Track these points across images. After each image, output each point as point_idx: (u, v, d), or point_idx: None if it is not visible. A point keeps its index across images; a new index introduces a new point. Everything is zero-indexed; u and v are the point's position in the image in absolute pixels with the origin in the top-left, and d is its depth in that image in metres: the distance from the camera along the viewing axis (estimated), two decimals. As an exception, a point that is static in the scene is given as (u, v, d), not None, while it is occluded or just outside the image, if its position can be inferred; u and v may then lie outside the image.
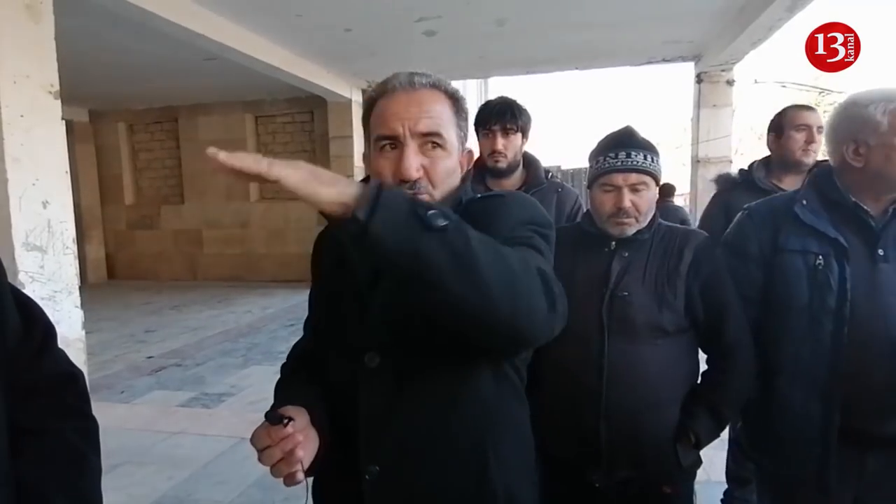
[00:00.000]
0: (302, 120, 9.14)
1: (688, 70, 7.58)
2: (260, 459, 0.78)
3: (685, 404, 1.37)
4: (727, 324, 1.34)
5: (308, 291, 1.03)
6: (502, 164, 1.95)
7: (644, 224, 1.38)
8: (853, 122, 1.25)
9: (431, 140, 0.83)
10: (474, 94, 15.23)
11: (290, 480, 0.79)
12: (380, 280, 0.85)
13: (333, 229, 0.66)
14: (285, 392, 0.92)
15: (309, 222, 8.33)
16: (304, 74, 6.65)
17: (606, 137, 1.42)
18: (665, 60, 7.26)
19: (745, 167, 2.34)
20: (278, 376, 1.03)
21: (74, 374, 0.86)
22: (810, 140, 2.06)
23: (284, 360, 1.07)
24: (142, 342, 5.79)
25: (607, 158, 1.36)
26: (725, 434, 1.41)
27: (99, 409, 0.88)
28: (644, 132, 1.42)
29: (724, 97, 7.27)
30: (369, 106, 0.88)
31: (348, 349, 0.87)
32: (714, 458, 2.50)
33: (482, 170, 1.99)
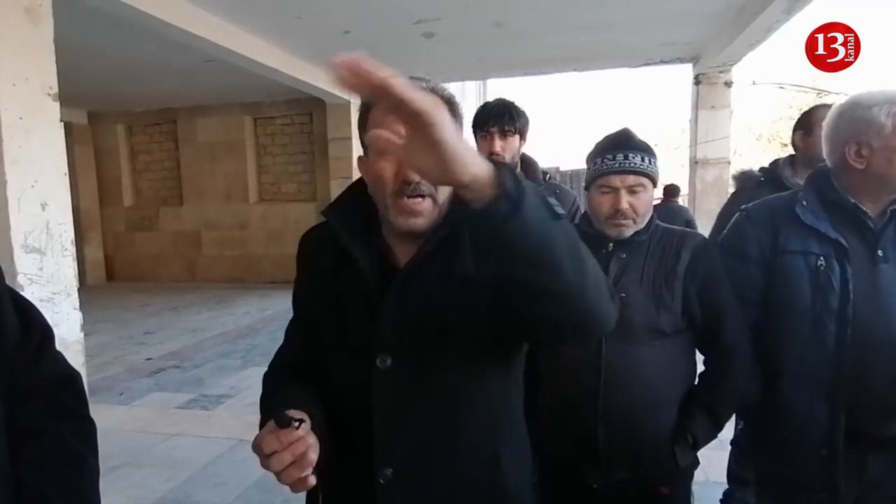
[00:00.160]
0: (301, 121, 9.14)
1: (686, 71, 7.60)
2: (266, 465, 0.74)
3: (683, 405, 1.37)
4: (724, 325, 1.34)
5: None
6: (500, 166, 1.95)
7: (642, 226, 1.38)
8: (856, 123, 1.25)
9: None
10: (473, 95, 15.24)
11: (300, 486, 0.75)
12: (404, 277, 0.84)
13: (472, 205, 0.61)
14: (279, 399, 0.86)
15: (307, 223, 8.28)
16: (303, 76, 6.66)
17: (604, 139, 1.42)
18: (663, 62, 7.27)
19: (767, 165, 2.33)
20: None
21: (73, 375, 0.86)
22: None
23: (267, 370, 1.01)
24: (140, 344, 5.78)
25: (605, 160, 1.36)
26: (723, 435, 1.41)
27: (98, 411, 0.88)
28: (642, 134, 1.42)
29: (722, 98, 7.29)
30: (366, 110, 0.88)
31: (356, 351, 0.87)
32: (712, 459, 2.50)
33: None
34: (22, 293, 0.88)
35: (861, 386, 1.24)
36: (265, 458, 0.74)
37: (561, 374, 1.35)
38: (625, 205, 1.34)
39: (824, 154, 1.38)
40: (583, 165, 1.50)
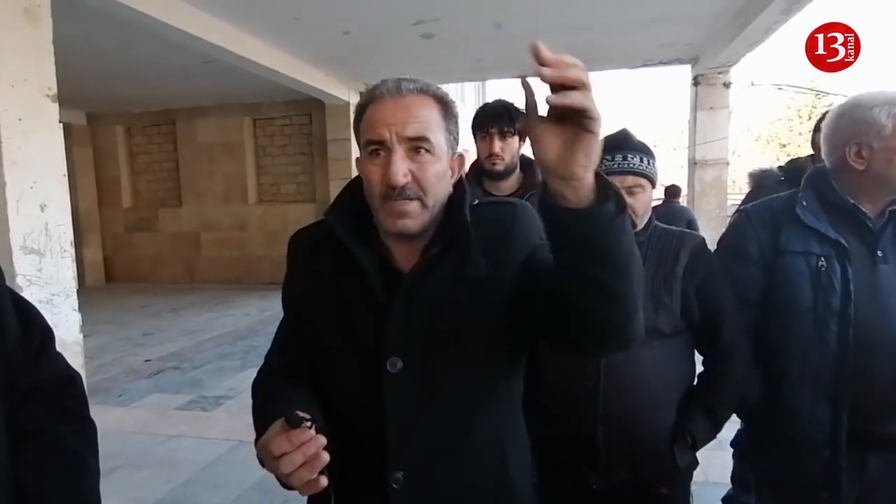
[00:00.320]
0: (300, 122, 9.14)
1: (685, 72, 7.62)
2: (275, 468, 0.72)
3: (682, 406, 1.37)
4: (723, 325, 1.35)
5: None
6: (499, 167, 1.95)
7: (640, 226, 1.38)
8: (856, 124, 1.26)
9: (419, 145, 0.82)
10: (472, 96, 15.26)
11: (311, 487, 0.73)
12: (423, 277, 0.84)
13: (567, 201, 0.62)
14: (278, 403, 0.83)
15: (306, 224, 8.33)
16: (302, 77, 6.66)
17: (603, 140, 1.42)
18: (662, 63, 7.28)
19: (785, 164, 2.33)
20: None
21: (73, 376, 0.86)
22: None
23: (256, 377, 0.97)
24: (140, 345, 5.77)
25: (603, 161, 1.36)
26: (722, 435, 1.41)
27: (97, 413, 0.88)
28: (641, 134, 1.42)
29: (720, 99, 7.30)
30: (359, 112, 0.87)
31: (364, 355, 0.86)
32: (711, 459, 2.50)
33: (479, 172, 2.00)
34: (21, 294, 0.88)
35: (862, 386, 1.24)
36: (274, 461, 0.72)
37: (560, 374, 1.35)
38: (624, 205, 1.34)
39: (823, 154, 1.38)
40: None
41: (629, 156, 1.35)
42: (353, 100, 7.92)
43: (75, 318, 3.02)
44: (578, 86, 0.57)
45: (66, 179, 3.00)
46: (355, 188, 0.92)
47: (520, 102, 1.99)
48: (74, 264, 3.05)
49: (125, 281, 9.93)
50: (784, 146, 23.74)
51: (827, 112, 2.22)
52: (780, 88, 10.48)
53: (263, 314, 7.03)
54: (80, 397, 0.86)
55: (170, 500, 2.71)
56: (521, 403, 0.97)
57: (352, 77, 7.46)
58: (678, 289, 1.35)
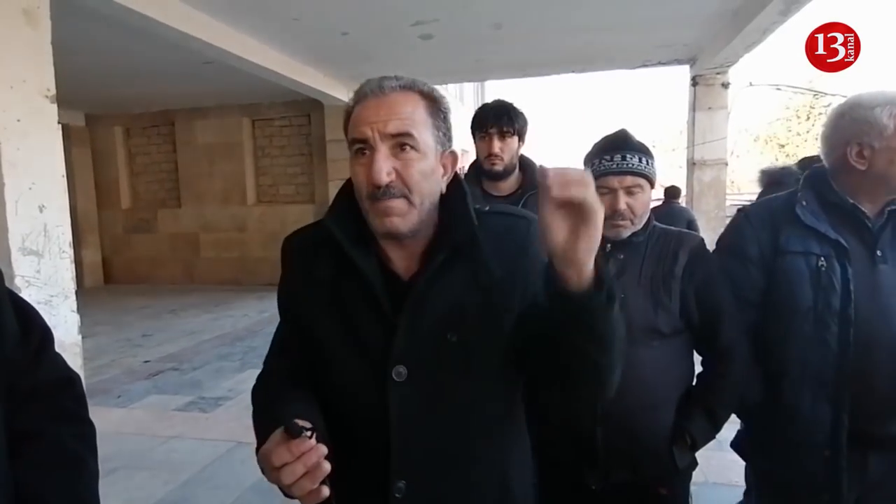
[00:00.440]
0: (299, 123, 9.14)
1: (683, 73, 7.62)
2: (276, 478, 0.71)
3: (681, 406, 1.37)
4: (722, 326, 1.35)
5: None
6: (499, 167, 1.95)
7: (639, 226, 1.39)
8: (858, 124, 1.26)
9: (402, 142, 0.81)
10: (471, 97, 15.27)
11: (313, 497, 0.72)
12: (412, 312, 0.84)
13: (567, 283, 0.70)
14: (279, 411, 0.82)
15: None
16: (301, 78, 6.66)
17: (602, 140, 1.43)
18: (660, 63, 7.29)
19: (798, 162, 2.31)
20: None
21: (72, 378, 0.85)
22: None
23: (255, 384, 0.96)
24: (138, 346, 5.77)
25: (602, 161, 1.37)
26: (721, 435, 1.41)
27: (95, 414, 0.87)
28: (639, 135, 1.42)
29: (719, 100, 7.31)
30: (347, 114, 0.87)
31: (369, 362, 0.85)
32: (711, 460, 2.50)
33: (478, 173, 2.00)
34: (20, 295, 0.88)
35: (863, 386, 1.24)
36: (275, 471, 0.71)
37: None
38: (622, 206, 1.34)
39: (822, 154, 1.38)
40: (581, 167, 1.50)
41: (628, 156, 1.35)
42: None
43: (74, 319, 3.02)
44: (578, 185, 0.64)
45: (64, 180, 3.00)
46: (349, 192, 0.90)
47: (519, 103, 2.00)
48: (73, 265, 3.05)
49: (124, 282, 9.92)
50: (783, 146, 23.78)
51: None
52: (779, 89, 10.49)
53: (262, 315, 7.02)
54: (79, 398, 0.86)
55: (168, 501, 2.70)
56: (522, 405, 0.97)
57: (351, 78, 7.45)
58: (677, 289, 1.35)
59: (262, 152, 9.45)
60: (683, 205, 7.35)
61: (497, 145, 1.92)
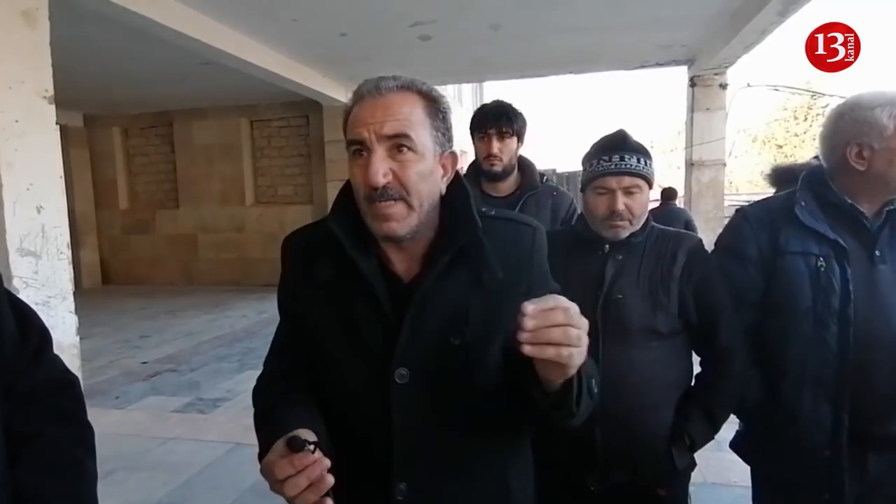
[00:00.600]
0: (297, 124, 9.14)
1: (681, 74, 7.63)
2: (279, 490, 0.72)
3: (679, 407, 1.37)
4: (720, 326, 1.35)
5: None
6: (498, 168, 1.95)
7: (637, 227, 1.39)
8: (857, 124, 1.26)
9: (399, 143, 0.80)
10: (469, 98, 15.28)
11: None
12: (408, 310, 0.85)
13: (545, 397, 0.76)
14: (281, 417, 0.83)
15: (304, 226, 8.32)
16: (300, 79, 6.66)
17: (600, 141, 1.43)
18: (659, 64, 7.31)
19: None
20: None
21: (70, 380, 0.85)
22: None
23: (257, 384, 0.96)
24: (136, 347, 5.76)
25: (601, 161, 1.37)
26: (720, 436, 1.41)
27: (93, 415, 0.87)
28: (637, 135, 1.42)
29: (717, 100, 7.33)
30: (346, 116, 0.86)
31: (371, 364, 0.85)
32: (709, 460, 2.51)
33: (477, 173, 2.00)
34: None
35: (862, 386, 1.25)
36: (278, 483, 0.71)
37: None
38: (621, 206, 1.34)
39: (821, 154, 1.38)
40: (579, 167, 1.50)
41: (626, 156, 1.35)
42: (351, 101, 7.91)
43: (72, 320, 3.01)
44: (556, 347, 0.66)
45: (62, 181, 3.00)
46: (349, 194, 0.89)
47: (518, 104, 2.00)
48: (71, 266, 3.04)
49: (122, 283, 9.90)
50: (780, 147, 23.84)
51: None
52: (776, 89, 10.51)
53: (261, 316, 7.01)
54: (77, 400, 0.85)
55: (167, 502, 2.70)
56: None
57: (349, 78, 7.45)
58: (675, 289, 1.35)
59: (260, 153, 9.44)
60: (680, 206, 7.37)
61: (496, 146, 1.92)
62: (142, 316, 7.27)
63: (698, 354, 1.44)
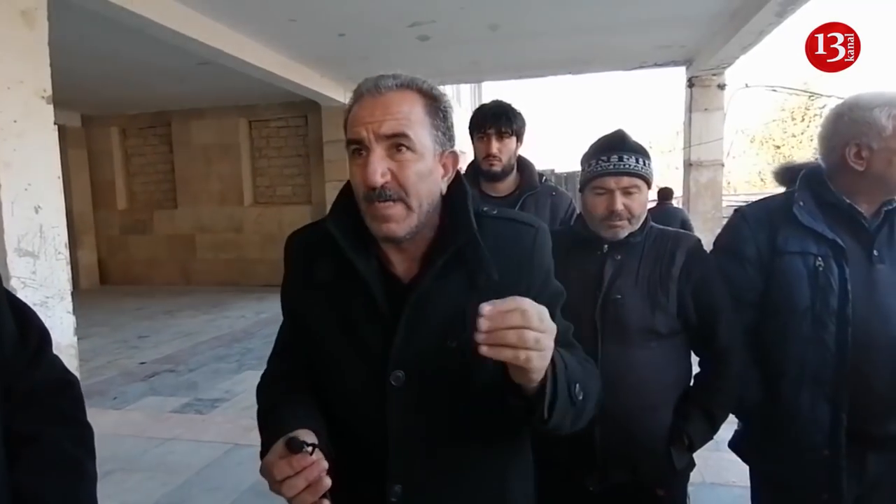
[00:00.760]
0: (296, 124, 9.13)
1: (679, 74, 7.65)
2: (278, 490, 0.73)
3: (678, 407, 1.37)
4: (719, 326, 1.35)
5: None
6: (497, 168, 1.95)
7: (636, 227, 1.39)
8: (856, 124, 1.26)
9: (398, 142, 0.80)
10: (468, 98, 15.27)
11: None
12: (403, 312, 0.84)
13: (518, 396, 0.76)
14: (282, 416, 0.84)
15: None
16: (298, 79, 6.66)
17: (598, 141, 1.43)
18: (657, 65, 7.32)
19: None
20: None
21: (70, 380, 0.85)
22: None
23: (260, 382, 0.98)
24: (134, 348, 5.75)
25: (599, 162, 1.37)
26: (719, 436, 1.41)
27: (91, 416, 0.87)
28: (636, 136, 1.42)
29: (715, 101, 7.34)
30: (346, 114, 0.86)
31: (368, 366, 0.85)
32: (708, 460, 2.51)
33: (476, 173, 2.00)
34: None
35: (861, 385, 1.25)
36: (276, 483, 0.72)
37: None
38: (619, 206, 1.34)
39: (820, 155, 1.39)
40: (577, 168, 1.50)
41: (625, 156, 1.35)
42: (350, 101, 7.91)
43: (70, 320, 3.00)
44: (513, 347, 0.66)
45: (60, 181, 2.99)
46: (349, 195, 0.89)
47: (516, 104, 2.00)
48: (69, 266, 3.04)
49: (120, 283, 9.88)
50: (778, 147, 23.90)
51: None
52: (774, 90, 10.54)
53: (259, 316, 7.00)
54: (77, 401, 0.85)
55: (165, 503, 2.69)
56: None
57: (348, 79, 7.44)
58: (674, 289, 1.35)
59: (258, 153, 9.44)
60: (676, 206, 7.39)
61: (495, 146, 1.92)
62: (140, 316, 7.26)
63: (697, 355, 1.44)
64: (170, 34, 4.63)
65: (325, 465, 0.72)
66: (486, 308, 0.64)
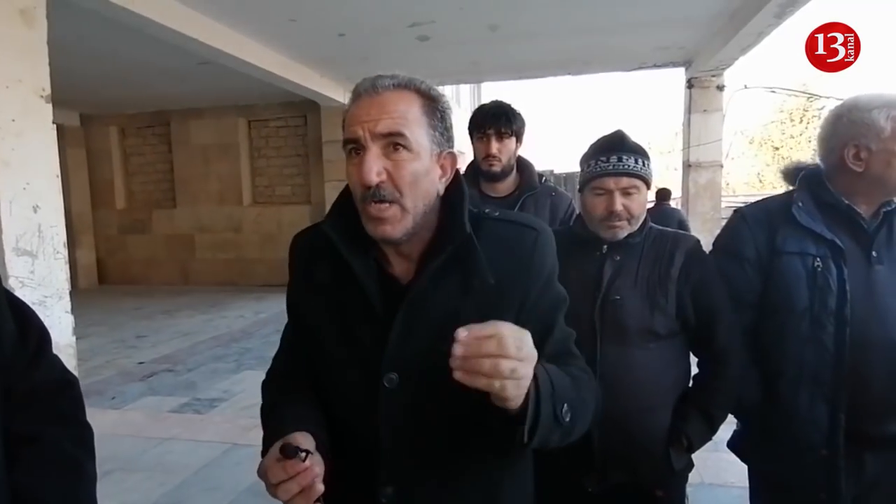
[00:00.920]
0: (295, 124, 9.13)
1: (679, 75, 7.65)
2: (273, 493, 0.74)
3: (677, 408, 1.37)
4: (718, 327, 1.35)
5: None
6: (497, 168, 1.95)
7: (635, 228, 1.39)
8: (855, 125, 1.26)
9: (394, 141, 0.79)
10: (467, 98, 15.27)
11: None
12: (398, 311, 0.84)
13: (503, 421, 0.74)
14: (282, 416, 0.85)
15: (302, 226, 8.23)
16: (298, 79, 6.65)
17: (598, 141, 1.43)
18: (656, 66, 7.32)
19: None
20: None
21: (70, 380, 0.85)
22: None
23: (266, 377, 0.99)
24: (133, 347, 5.74)
25: (599, 162, 1.37)
26: (717, 436, 1.41)
27: (89, 415, 0.87)
28: (635, 136, 1.43)
29: (714, 102, 7.35)
30: (345, 114, 0.86)
31: (363, 368, 0.85)
32: (707, 461, 2.52)
33: (476, 173, 2.00)
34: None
35: (858, 386, 1.25)
36: (272, 487, 0.73)
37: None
38: (619, 206, 1.34)
39: (819, 156, 1.39)
40: (576, 168, 1.50)
41: (624, 157, 1.35)
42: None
43: (68, 320, 3.00)
44: (487, 376, 0.65)
45: (59, 181, 2.98)
46: (350, 196, 0.89)
47: (516, 104, 2.00)
48: (67, 266, 3.03)
49: (118, 283, 9.87)
50: (777, 149, 23.94)
51: None
52: (773, 91, 10.54)
53: (258, 316, 6.99)
54: (77, 401, 0.85)
55: (163, 503, 2.69)
56: None
57: (347, 79, 7.44)
58: (673, 290, 1.35)
59: (258, 153, 9.43)
60: (674, 206, 7.40)
61: (495, 146, 1.92)
62: (138, 316, 7.25)
63: (696, 355, 1.44)
64: (170, 34, 4.63)
65: (318, 470, 0.73)
66: (462, 333, 0.64)
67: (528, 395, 0.70)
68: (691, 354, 1.45)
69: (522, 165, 2.05)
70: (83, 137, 9.75)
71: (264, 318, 6.79)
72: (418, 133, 0.81)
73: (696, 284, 1.35)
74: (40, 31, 2.86)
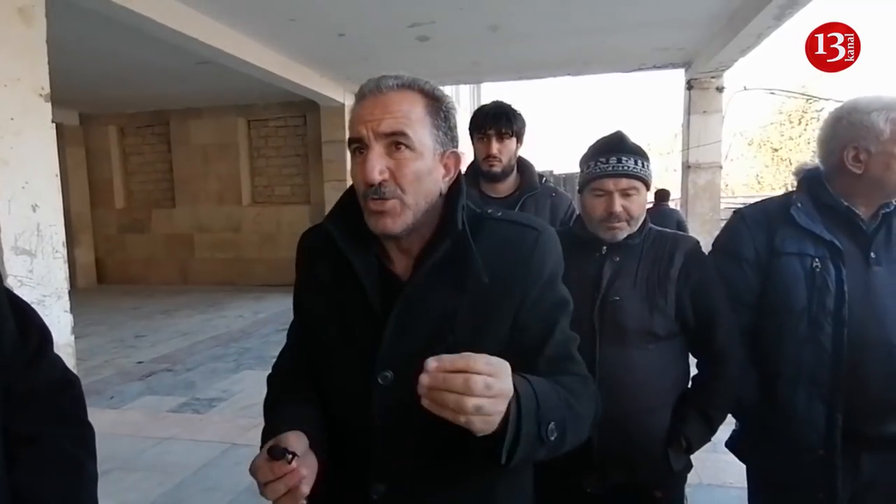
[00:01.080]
0: (295, 124, 9.13)
1: (678, 76, 7.66)
2: (262, 492, 0.75)
3: (676, 409, 1.37)
4: (717, 328, 1.35)
5: None
6: (497, 169, 1.95)
7: (635, 229, 1.39)
8: (854, 127, 1.27)
9: (397, 140, 0.80)
10: (467, 99, 15.28)
11: None
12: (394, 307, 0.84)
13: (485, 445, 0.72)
14: (280, 414, 0.86)
15: (301, 226, 8.28)
16: (297, 79, 6.65)
17: (597, 142, 1.43)
18: (656, 67, 7.33)
19: None
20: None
21: (70, 380, 0.84)
22: None
23: (271, 371, 1.01)
24: (132, 347, 5.73)
25: (598, 163, 1.37)
26: (716, 437, 1.42)
27: (88, 415, 0.87)
28: (634, 137, 1.43)
29: (714, 103, 7.36)
30: (350, 114, 0.87)
31: (359, 365, 0.85)
32: (705, 462, 2.52)
33: (476, 174, 2.00)
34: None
35: (856, 386, 1.26)
36: (261, 486, 0.75)
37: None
38: (618, 208, 1.34)
39: (818, 157, 1.39)
40: (576, 169, 1.50)
41: (624, 158, 1.35)
42: (348, 102, 7.92)
43: (67, 319, 2.99)
44: (453, 410, 0.64)
45: (58, 180, 2.98)
46: (354, 194, 0.90)
47: (516, 104, 2.00)
48: (66, 265, 3.03)
49: (117, 282, 9.86)
50: (776, 150, 23.97)
51: None
52: (773, 93, 10.55)
53: (257, 316, 6.99)
54: (77, 400, 0.85)
55: (162, 503, 2.69)
56: None
57: (347, 79, 7.45)
58: (672, 291, 1.35)
59: (257, 153, 9.43)
60: (673, 207, 7.40)
61: (495, 147, 1.93)
62: (137, 315, 7.25)
63: (695, 356, 1.44)
64: (169, 33, 4.63)
65: (304, 472, 0.74)
66: (431, 364, 0.64)
67: (507, 416, 0.69)
68: (690, 355, 1.45)
69: (523, 166, 2.05)
70: (82, 136, 9.75)
71: (263, 318, 6.79)
72: (421, 132, 0.82)
73: (695, 286, 1.35)
74: (39, 29, 2.86)
